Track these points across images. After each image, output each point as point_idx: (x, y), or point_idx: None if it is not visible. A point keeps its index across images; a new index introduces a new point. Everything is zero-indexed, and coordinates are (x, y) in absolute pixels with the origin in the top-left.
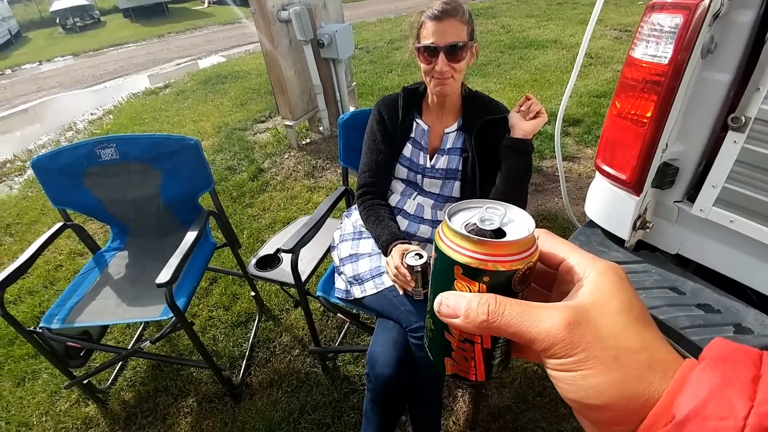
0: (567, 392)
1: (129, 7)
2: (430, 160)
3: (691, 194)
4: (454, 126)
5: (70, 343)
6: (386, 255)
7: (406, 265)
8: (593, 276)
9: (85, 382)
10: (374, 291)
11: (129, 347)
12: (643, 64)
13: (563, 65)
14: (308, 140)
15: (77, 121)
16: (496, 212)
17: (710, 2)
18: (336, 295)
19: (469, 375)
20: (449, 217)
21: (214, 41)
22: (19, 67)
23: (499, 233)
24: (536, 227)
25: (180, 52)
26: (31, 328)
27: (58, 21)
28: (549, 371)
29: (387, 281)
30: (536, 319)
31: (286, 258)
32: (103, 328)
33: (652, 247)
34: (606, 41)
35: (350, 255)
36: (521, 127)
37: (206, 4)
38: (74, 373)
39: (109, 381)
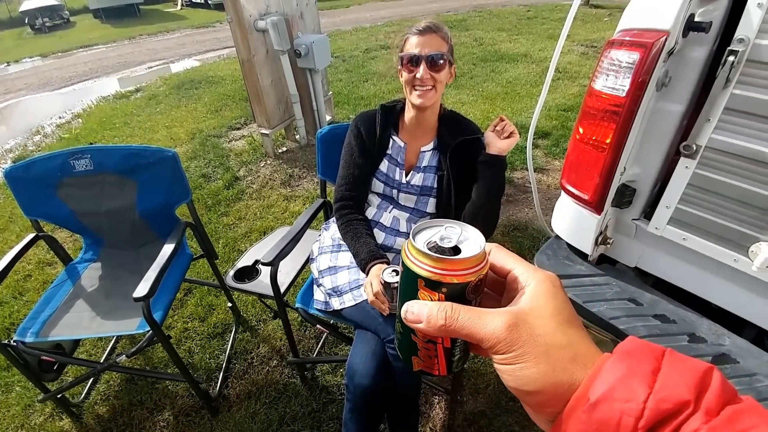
0: (508, 381)
1: (99, 8)
2: (406, 176)
3: (648, 213)
4: (430, 145)
5: (44, 357)
6: (365, 273)
7: (383, 282)
8: (533, 285)
9: (59, 396)
10: (353, 303)
11: (102, 360)
12: (603, 95)
13: (533, 79)
14: (284, 148)
15: (45, 124)
16: (453, 231)
17: (665, 41)
18: (315, 306)
19: (434, 370)
20: (413, 237)
21: (187, 45)
22: None
23: (456, 250)
24: (506, 237)
25: (152, 55)
26: (5, 342)
27: (27, 21)
28: (495, 365)
29: (365, 293)
30: (483, 323)
31: (265, 269)
32: (76, 342)
33: (613, 260)
34: (573, 56)
35: (329, 267)
36: (497, 144)
37: (179, 7)
38: (48, 387)
39: (83, 395)
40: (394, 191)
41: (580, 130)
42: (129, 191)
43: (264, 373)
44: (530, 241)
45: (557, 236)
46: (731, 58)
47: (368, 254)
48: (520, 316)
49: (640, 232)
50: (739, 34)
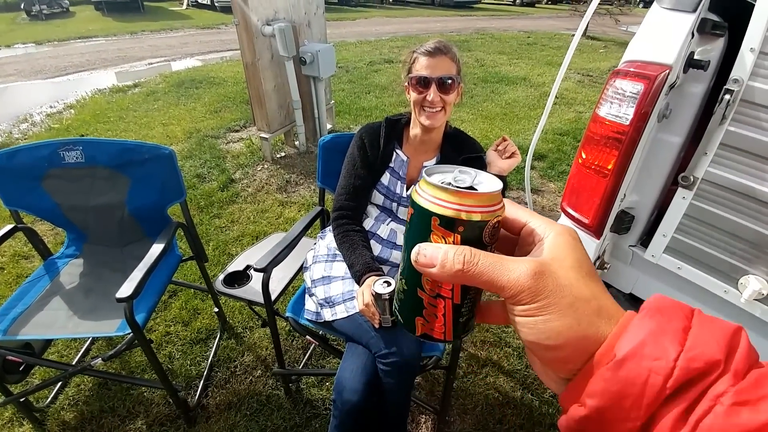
0: (528, 335)
1: (102, 0)
2: (407, 190)
3: (645, 240)
4: (433, 161)
5: (9, 357)
6: (359, 284)
7: (374, 293)
8: (552, 236)
9: (21, 399)
10: (345, 314)
11: (74, 362)
12: (607, 122)
13: (531, 102)
14: (283, 154)
15: (34, 112)
16: (467, 174)
17: (667, 74)
18: (305, 316)
19: (438, 334)
20: (427, 175)
21: (190, 44)
22: None
23: (473, 189)
24: None
25: (153, 52)
26: None
27: (23, 6)
28: (514, 317)
29: (357, 302)
30: (506, 269)
31: (256, 276)
32: (48, 341)
33: (608, 285)
34: (570, 83)
35: (323, 277)
36: (498, 164)
37: (184, 6)
38: (10, 390)
39: (49, 399)
40: (394, 204)
41: (583, 155)
42: (120, 187)
43: (247, 383)
44: None
45: None
46: (727, 97)
47: (363, 266)
48: (545, 266)
49: (636, 259)
50: (734, 74)
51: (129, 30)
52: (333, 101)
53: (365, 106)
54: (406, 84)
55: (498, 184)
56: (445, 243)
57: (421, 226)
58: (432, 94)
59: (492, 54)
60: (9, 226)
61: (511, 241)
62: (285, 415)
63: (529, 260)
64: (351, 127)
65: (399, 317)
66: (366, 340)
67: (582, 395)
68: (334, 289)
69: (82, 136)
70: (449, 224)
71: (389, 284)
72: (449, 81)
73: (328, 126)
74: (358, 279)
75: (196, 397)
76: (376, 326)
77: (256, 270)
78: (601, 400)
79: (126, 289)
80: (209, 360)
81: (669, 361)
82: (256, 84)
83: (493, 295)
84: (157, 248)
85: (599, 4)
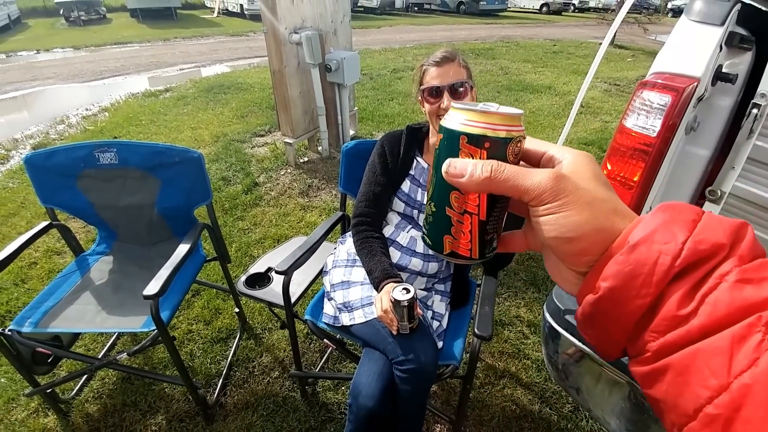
0: (550, 231)
1: (137, 8)
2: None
3: None
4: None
5: (39, 349)
6: (377, 290)
7: (392, 299)
8: (570, 157)
9: (48, 391)
10: (363, 320)
11: (100, 356)
12: (633, 134)
13: (555, 110)
14: (306, 159)
15: (70, 114)
16: (490, 105)
17: (695, 87)
18: (324, 320)
19: (464, 251)
20: (453, 105)
21: (219, 51)
22: (14, 53)
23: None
24: (520, 266)
25: (184, 58)
26: (1, 329)
27: (61, 12)
28: (537, 218)
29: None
30: (530, 174)
31: (277, 278)
32: (76, 335)
33: None
34: (596, 92)
35: (342, 282)
36: None
37: (215, 14)
38: (38, 381)
39: (74, 391)
40: (415, 211)
41: (608, 166)
42: (151, 188)
43: (264, 383)
44: (545, 272)
45: None
46: (754, 111)
47: (382, 272)
48: (564, 173)
49: None
50: (761, 89)
51: (162, 36)
52: (356, 108)
53: (388, 112)
54: (420, 98)
55: (519, 110)
56: (475, 159)
57: (450, 146)
58: (445, 101)
59: (517, 62)
60: (44, 223)
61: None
62: (301, 418)
63: (549, 169)
64: (373, 133)
65: (427, 239)
66: (383, 346)
67: (597, 281)
68: (353, 294)
69: (115, 138)
70: (476, 141)
71: (408, 291)
72: (461, 87)
73: (351, 132)
74: (377, 285)
75: (215, 395)
76: (394, 333)
77: (277, 273)
78: (614, 281)
79: (153, 287)
80: (228, 359)
81: (678, 244)
82: (282, 90)
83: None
84: (183, 248)
85: (628, 12)
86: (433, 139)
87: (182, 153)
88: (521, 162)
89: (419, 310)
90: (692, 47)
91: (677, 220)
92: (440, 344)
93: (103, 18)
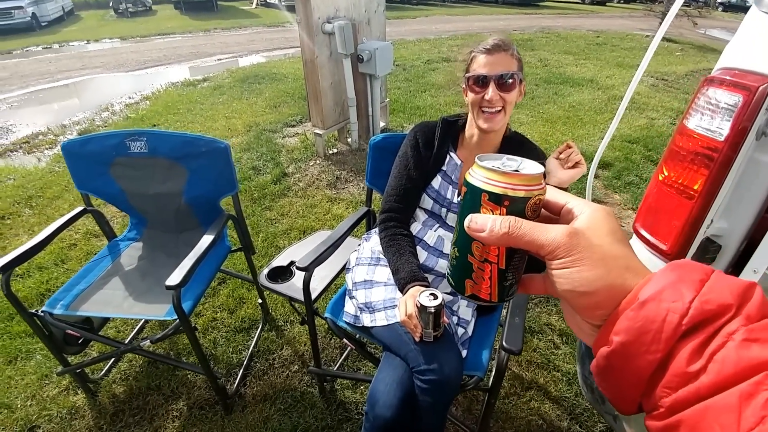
0: (564, 284)
1: (180, 0)
2: (458, 195)
3: (730, 273)
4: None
5: (69, 331)
6: (402, 292)
7: (418, 304)
8: (588, 212)
9: (78, 371)
10: (384, 323)
11: (128, 340)
12: (696, 136)
13: (597, 105)
14: (335, 150)
15: (114, 102)
16: (514, 161)
17: None
18: (344, 318)
19: (484, 295)
20: (479, 160)
21: (256, 41)
22: (67, 43)
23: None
24: None
25: (223, 48)
26: (33, 311)
27: (111, 4)
28: (552, 272)
29: (398, 312)
30: (545, 230)
31: (299, 272)
32: (106, 318)
33: None
34: (642, 87)
35: (365, 281)
36: (557, 175)
37: (254, 5)
38: (69, 360)
39: (103, 371)
40: (443, 210)
41: (665, 171)
42: (179, 177)
43: (283, 376)
44: None
45: None
46: None
47: (409, 273)
48: (579, 229)
49: None
50: None
51: (203, 27)
52: (388, 99)
53: (420, 104)
54: (464, 86)
55: (540, 168)
56: (495, 215)
57: (473, 201)
58: (491, 92)
59: (557, 54)
60: (79, 208)
61: (553, 220)
62: (317, 414)
63: (565, 225)
64: (404, 125)
65: (451, 281)
66: (404, 352)
67: (610, 335)
68: (376, 294)
69: (154, 126)
70: (497, 199)
71: (435, 297)
72: (510, 79)
73: (382, 124)
74: (402, 287)
75: (235, 385)
76: (417, 340)
77: (298, 269)
78: (625, 336)
79: (175, 278)
80: (250, 350)
81: (685, 303)
82: (313, 80)
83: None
84: (207, 239)
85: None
86: (471, 131)
87: (209, 143)
88: (543, 210)
89: (445, 318)
90: (766, 41)
91: (685, 279)
92: (464, 353)
93: (148, 10)
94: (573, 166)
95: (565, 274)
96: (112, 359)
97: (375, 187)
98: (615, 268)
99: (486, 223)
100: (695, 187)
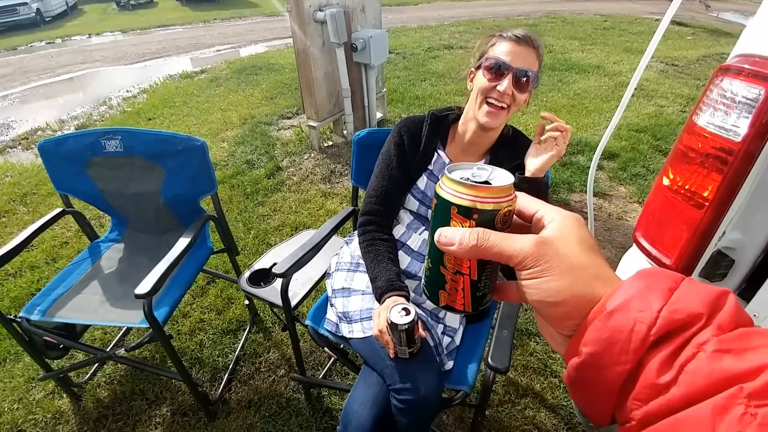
0: (533, 295)
1: None
2: None
3: (744, 291)
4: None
5: (46, 338)
6: (379, 302)
7: (389, 321)
8: (558, 220)
9: (60, 376)
10: (361, 335)
11: (113, 344)
12: (707, 135)
13: (603, 93)
14: (330, 143)
15: (113, 96)
16: (484, 170)
17: None
18: (326, 326)
19: (458, 305)
20: (448, 172)
21: (255, 31)
22: (69, 38)
23: (487, 183)
24: None
25: (221, 39)
26: (10, 317)
27: None
28: (521, 282)
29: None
30: (513, 241)
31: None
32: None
33: None
34: (651, 73)
35: (343, 288)
36: (529, 165)
37: None
38: (51, 366)
39: (87, 375)
40: (430, 211)
41: (670, 175)
42: (156, 177)
43: (269, 381)
44: None
45: None
46: None
47: (386, 282)
48: (547, 238)
49: None
50: None
51: (202, 18)
52: (385, 89)
53: (419, 94)
54: (473, 69)
55: (509, 179)
56: (463, 228)
57: (443, 214)
58: (505, 84)
59: (562, 39)
60: (58, 210)
61: (525, 228)
62: (303, 423)
63: (533, 235)
64: (403, 116)
65: (426, 292)
66: (381, 368)
67: (579, 346)
68: (353, 304)
69: (150, 119)
70: (466, 212)
71: (408, 313)
72: (525, 76)
73: (379, 115)
74: (379, 297)
75: (219, 390)
76: (391, 356)
77: (274, 275)
78: (594, 347)
79: (144, 286)
80: (236, 353)
81: (653, 312)
82: (306, 71)
83: None
84: (183, 242)
85: None
86: (466, 126)
87: (185, 141)
88: (517, 219)
89: (422, 332)
90: None
91: (654, 287)
92: (450, 364)
93: (150, 2)
94: (545, 147)
95: (534, 284)
96: (96, 364)
97: (360, 185)
98: (583, 277)
99: (455, 236)
100: (705, 195)
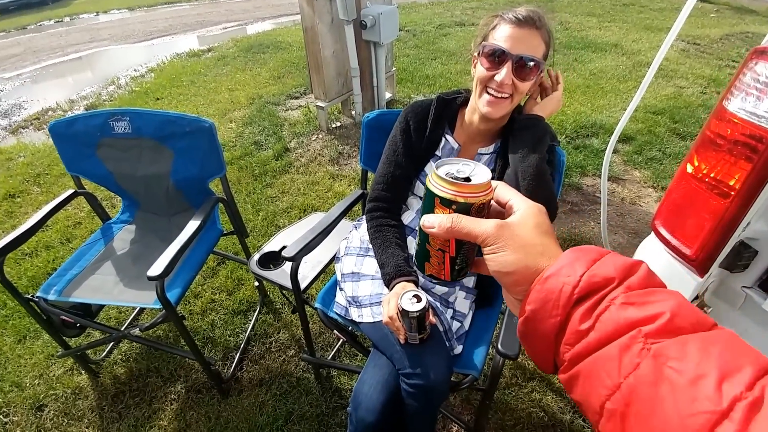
0: (492, 266)
1: None
2: None
3: (765, 282)
4: (491, 148)
5: (63, 317)
6: (388, 288)
7: (400, 308)
8: (523, 208)
9: (78, 354)
10: (371, 320)
11: (128, 323)
12: (737, 121)
13: (621, 73)
14: (338, 124)
15: (120, 76)
16: (468, 167)
17: None
18: (335, 309)
19: (441, 275)
20: (437, 168)
21: (263, 7)
22: (77, 16)
23: (467, 180)
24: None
25: (228, 16)
26: (27, 296)
27: None
28: (485, 256)
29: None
30: (479, 224)
31: None
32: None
33: None
34: (671, 52)
35: (352, 273)
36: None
37: None
38: (69, 344)
39: (104, 353)
40: None
41: (695, 162)
42: (165, 159)
43: (280, 361)
44: None
45: None
46: None
47: (395, 268)
48: (506, 223)
49: (749, 305)
50: None
51: None
52: (395, 68)
53: (429, 73)
54: (476, 54)
55: (486, 177)
56: (443, 214)
57: (429, 202)
58: (503, 73)
59: (579, 16)
60: (70, 191)
61: (501, 213)
62: (312, 402)
63: (495, 219)
64: (412, 96)
65: (415, 262)
66: (390, 353)
67: (525, 305)
68: (363, 288)
69: (158, 99)
70: (447, 203)
71: (419, 300)
72: (530, 63)
73: (388, 95)
74: (388, 283)
75: (231, 369)
76: (402, 342)
77: (284, 259)
78: (534, 305)
79: (157, 268)
80: (247, 333)
81: (577, 276)
82: (314, 50)
83: None
84: (192, 225)
85: None
86: (472, 115)
87: (193, 122)
88: (496, 205)
89: (432, 319)
90: None
91: (581, 258)
92: (459, 348)
93: None
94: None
95: (492, 258)
96: (112, 343)
97: (369, 168)
98: (531, 253)
99: (435, 221)
100: (731, 183)
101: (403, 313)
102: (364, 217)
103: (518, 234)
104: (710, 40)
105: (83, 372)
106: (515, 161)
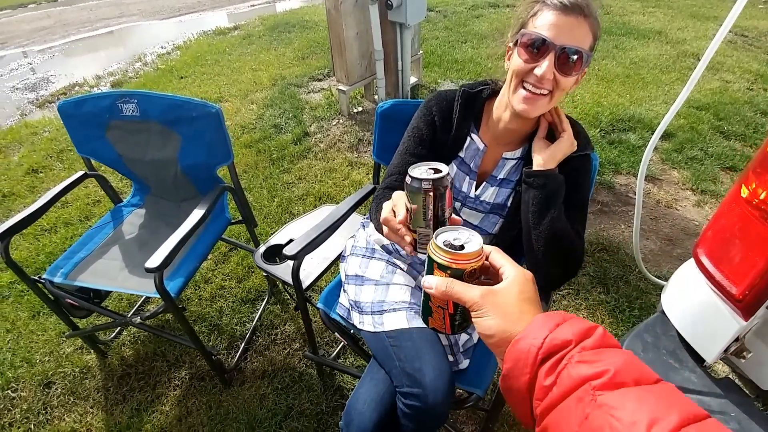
0: (478, 329)
1: None
2: (476, 189)
3: None
4: (517, 153)
5: (69, 300)
6: (381, 233)
7: (408, 180)
8: (511, 277)
9: (86, 335)
10: (372, 330)
11: (130, 314)
12: None
13: (664, 63)
14: (360, 109)
15: (147, 52)
16: (463, 234)
17: None
18: (338, 310)
19: (442, 329)
20: (435, 237)
21: None
22: None
23: (462, 247)
24: (589, 257)
25: None
26: (34, 277)
27: None
28: (473, 318)
29: (387, 323)
30: (468, 291)
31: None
32: None
33: (741, 375)
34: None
35: (356, 275)
36: (536, 160)
37: None
38: (78, 325)
39: (113, 334)
40: (457, 204)
41: (752, 185)
42: (172, 144)
43: (284, 354)
44: (618, 269)
45: (663, 314)
46: None
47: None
48: (491, 291)
49: None
50: None
51: None
52: (421, 51)
53: (458, 57)
54: (510, 44)
55: (477, 246)
56: (441, 277)
57: (430, 264)
58: (545, 66)
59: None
60: (80, 173)
61: (497, 275)
62: (313, 399)
63: (482, 287)
64: (439, 81)
65: (421, 316)
66: (389, 367)
67: (503, 364)
68: (365, 294)
69: (182, 78)
70: (443, 268)
71: (435, 171)
72: (575, 56)
73: (413, 80)
74: (380, 226)
75: (235, 358)
76: (407, 251)
77: (285, 257)
78: (509, 364)
79: (155, 260)
80: (253, 323)
81: (540, 340)
82: (337, 30)
83: None
84: (197, 214)
85: None
86: (501, 112)
87: (200, 107)
88: (492, 267)
89: (457, 218)
90: None
91: (546, 323)
92: (466, 363)
93: None
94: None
95: (477, 321)
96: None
97: (382, 162)
98: (510, 320)
99: (432, 283)
100: None
101: (413, 190)
102: None
103: (501, 302)
104: (759, 32)
105: (92, 351)
106: (527, 222)
